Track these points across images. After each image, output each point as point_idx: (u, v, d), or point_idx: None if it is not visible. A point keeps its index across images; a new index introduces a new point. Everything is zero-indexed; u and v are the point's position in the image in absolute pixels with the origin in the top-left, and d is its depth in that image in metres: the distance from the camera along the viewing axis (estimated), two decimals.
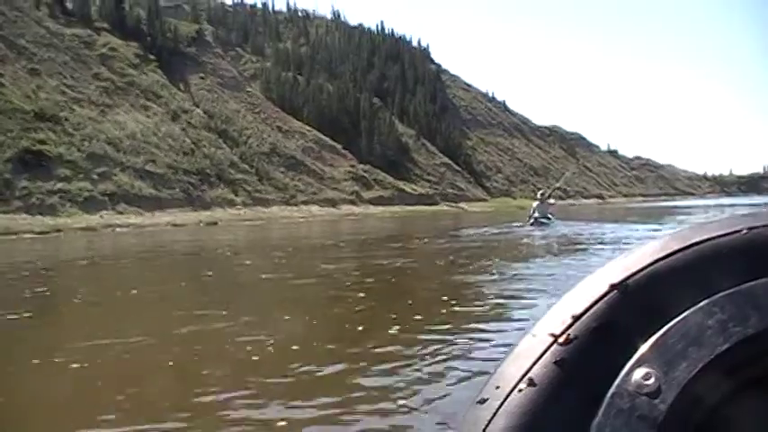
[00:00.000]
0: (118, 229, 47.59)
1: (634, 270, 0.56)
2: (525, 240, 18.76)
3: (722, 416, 0.51)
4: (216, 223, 54.54)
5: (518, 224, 27.65)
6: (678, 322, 0.52)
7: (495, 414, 0.53)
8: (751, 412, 0.52)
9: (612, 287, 0.55)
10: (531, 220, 26.65)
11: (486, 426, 0.53)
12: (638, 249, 0.59)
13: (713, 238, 0.56)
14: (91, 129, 59.54)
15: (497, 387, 0.54)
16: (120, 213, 52.04)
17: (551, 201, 28.86)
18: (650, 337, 0.52)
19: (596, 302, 0.55)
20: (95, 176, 54.60)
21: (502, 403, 0.53)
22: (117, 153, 59.11)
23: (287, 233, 35.18)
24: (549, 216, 27.37)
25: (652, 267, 0.56)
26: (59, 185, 51.02)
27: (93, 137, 58.62)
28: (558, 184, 39.06)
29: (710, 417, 0.51)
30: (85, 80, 67.57)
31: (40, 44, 66.94)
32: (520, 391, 0.53)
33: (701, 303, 0.53)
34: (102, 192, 53.54)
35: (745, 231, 0.55)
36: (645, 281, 0.55)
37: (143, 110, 69.79)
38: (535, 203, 28.16)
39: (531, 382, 0.53)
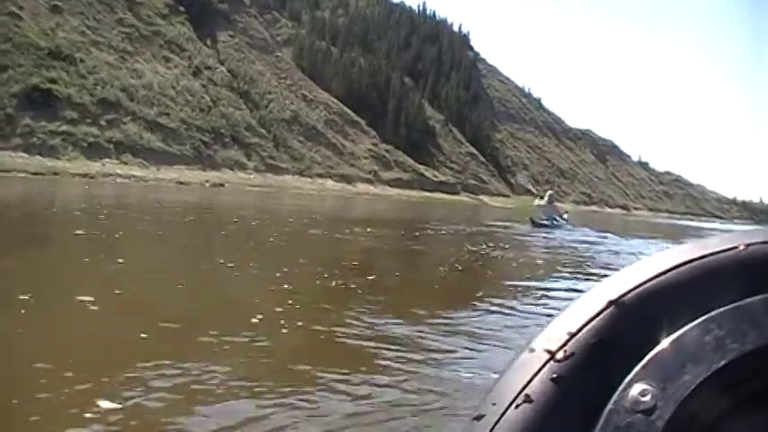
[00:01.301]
0: (119, 180, 45.54)
1: (631, 286, 0.56)
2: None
3: (721, 431, 0.51)
4: (222, 185, 52.38)
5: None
6: (675, 338, 0.52)
7: (491, 430, 0.52)
8: (749, 428, 0.52)
9: (610, 303, 0.55)
10: (538, 221, 24.56)
11: None
12: (636, 265, 0.58)
13: (711, 254, 0.56)
14: (106, 73, 57.42)
15: (494, 403, 0.54)
16: (124, 164, 50.00)
17: (559, 204, 26.77)
18: (647, 353, 0.52)
19: (593, 318, 0.55)
20: (103, 123, 52.56)
21: (498, 420, 0.53)
22: (130, 102, 57.02)
23: (286, 205, 32.90)
24: (557, 219, 25.27)
25: (649, 283, 0.55)
26: (64, 127, 49.03)
27: (107, 82, 56.52)
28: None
29: None
30: (108, 24, 65.37)
31: None
32: (517, 407, 0.52)
33: (699, 320, 0.52)
34: (108, 139, 51.52)
35: (742, 248, 0.55)
36: (642, 297, 0.55)
37: (164, 61, 67.62)
38: (536, 201, 26.18)
39: (528, 399, 0.52)
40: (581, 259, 13.05)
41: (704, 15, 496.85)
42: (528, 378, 0.54)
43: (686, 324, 0.52)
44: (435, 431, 3.37)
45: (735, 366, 0.50)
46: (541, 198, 26.25)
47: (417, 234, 17.01)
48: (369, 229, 15.90)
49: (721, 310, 0.52)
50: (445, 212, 36.97)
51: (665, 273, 0.55)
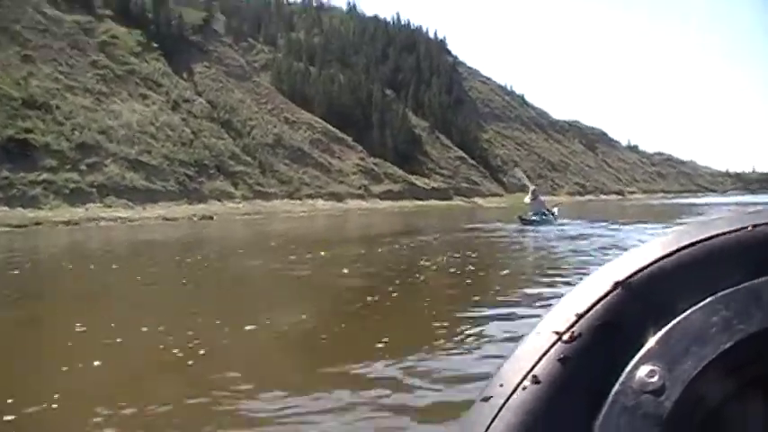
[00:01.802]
0: (103, 223, 44.98)
1: (638, 267, 0.55)
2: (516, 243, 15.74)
3: (726, 413, 0.51)
4: (211, 218, 51.78)
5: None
6: (682, 320, 0.52)
7: (498, 411, 0.52)
8: (755, 410, 0.52)
9: (617, 285, 0.55)
10: (526, 218, 23.98)
11: (491, 423, 0.52)
12: (643, 247, 0.58)
13: (718, 235, 0.56)
14: (83, 118, 56.99)
15: (501, 385, 0.54)
16: (108, 207, 49.40)
17: (545, 198, 26.20)
18: (654, 334, 0.52)
19: (600, 300, 0.55)
20: (84, 167, 52.05)
21: (506, 401, 0.53)
22: (109, 143, 56.53)
23: (263, 230, 32.34)
24: (546, 213, 24.73)
25: (656, 265, 0.55)
26: (44, 176, 48.53)
27: (84, 126, 56.07)
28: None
29: (715, 414, 0.51)
30: (82, 68, 65.04)
31: (35, 30, 64.50)
32: (524, 388, 0.52)
33: (706, 301, 0.52)
34: (90, 183, 50.98)
35: (750, 228, 0.55)
36: (649, 278, 0.55)
37: (141, 99, 67.19)
38: (526, 199, 25.57)
39: (536, 380, 0.52)
40: (554, 267, 11.33)
41: None
42: (535, 359, 0.54)
43: (693, 305, 0.52)
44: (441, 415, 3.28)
45: (741, 347, 0.50)
46: (533, 192, 25.72)
47: (380, 249, 15.91)
48: (322, 253, 14.94)
49: (728, 291, 0.52)
50: (430, 220, 36.32)
51: (672, 254, 0.55)
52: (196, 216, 51.33)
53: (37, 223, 41.73)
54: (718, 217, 0.59)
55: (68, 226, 42.59)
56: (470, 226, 26.11)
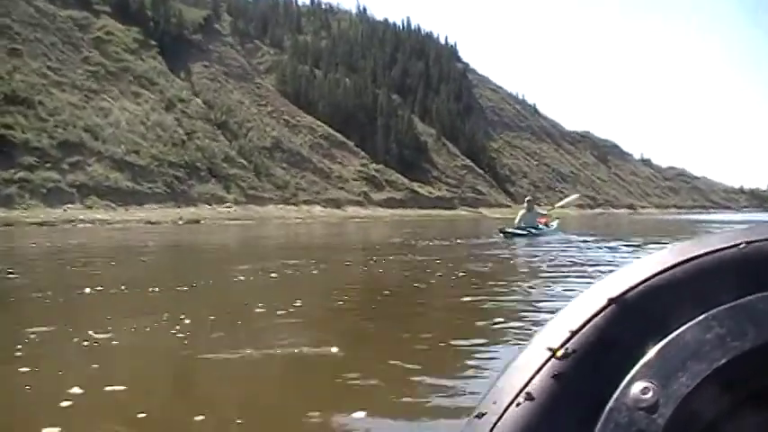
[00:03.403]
0: (80, 225, 42.40)
1: (632, 284, 0.55)
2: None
3: (721, 430, 0.51)
4: (198, 221, 49.13)
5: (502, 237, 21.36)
6: (676, 336, 0.52)
7: (492, 428, 0.52)
8: (749, 426, 0.52)
9: (611, 301, 0.55)
10: (509, 232, 20.88)
11: None
12: (637, 263, 0.58)
13: (712, 251, 0.56)
14: (68, 115, 54.54)
15: (495, 402, 0.54)
16: (89, 208, 46.84)
17: (542, 211, 23.10)
18: (648, 351, 0.52)
19: (594, 316, 0.55)
20: (65, 166, 49.54)
21: (499, 418, 0.52)
22: (95, 141, 54.04)
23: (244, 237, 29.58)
24: (541, 226, 21.62)
25: (650, 281, 0.55)
26: (21, 174, 46.01)
27: (69, 123, 53.59)
28: (560, 203, 32.54)
29: (709, 431, 0.51)
30: (73, 63, 62.80)
31: (26, 24, 62.40)
32: (518, 405, 0.52)
33: (700, 318, 0.52)
34: (71, 183, 48.43)
35: (743, 245, 0.55)
36: (643, 295, 0.55)
37: (133, 97, 64.84)
38: (521, 212, 22.44)
39: (529, 397, 0.52)
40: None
41: (697, 2, 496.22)
42: (529, 376, 0.54)
43: (687, 322, 0.53)
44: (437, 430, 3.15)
45: (736, 364, 0.50)
46: (529, 202, 22.72)
47: (316, 271, 13.04)
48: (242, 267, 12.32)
49: (722, 307, 0.52)
50: (430, 231, 33.40)
51: (666, 270, 0.55)
52: (182, 220, 48.69)
53: (7, 224, 39.19)
54: (712, 233, 0.59)
55: (42, 227, 40.08)
56: (450, 241, 23.04)
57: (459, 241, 21.40)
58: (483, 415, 0.53)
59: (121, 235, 31.19)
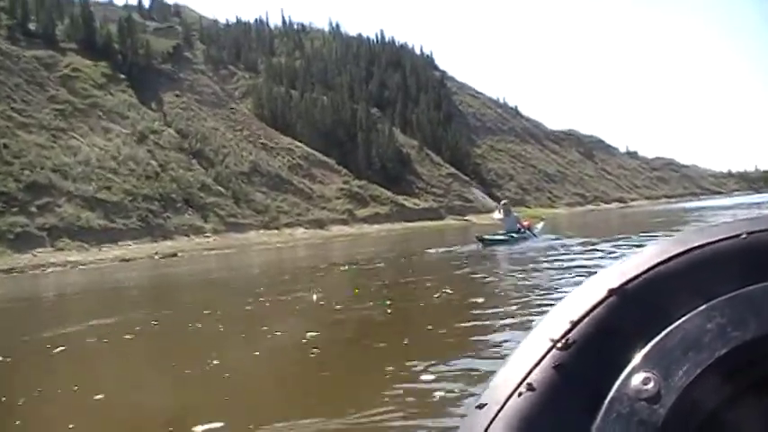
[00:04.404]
0: (50, 270, 40.94)
1: (633, 275, 0.55)
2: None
3: (722, 420, 0.51)
4: (175, 255, 47.64)
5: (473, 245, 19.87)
6: (677, 327, 0.52)
7: (493, 419, 0.52)
8: (750, 416, 0.52)
9: (611, 292, 0.55)
10: (487, 240, 19.36)
11: (485, 430, 0.52)
12: (637, 254, 0.58)
13: (713, 242, 0.56)
14: (34, 156, 53.10)
15: (496, 392, 0.54)
16: (60, 250, 45.31)
17: (516, 214, 21.50)
18: (649, 341, 0.52)
19: (595, 307, 0.54)
20: (34, 209, 48.02)
21: (501, 408, 0.53)
22: (64, 181, 52.59)
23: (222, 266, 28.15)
24: (522, 230, 20.04)
25: (651, 272, 0.55)
26: None
27: (36, 165, 52.16)
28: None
29: (710, 421, 0.51)
30: (38, 103, 61.46)
31: None
32: (519, 395, 0.53)
33: (701, 308, 0.52)
34: (41, 226, 46.91)
35: (744, 236, 0.55)
36: (644, 285, 0.55)
37: (103, 132, 63.47)
38: (497, 216, 20.88)
39: (531, 387, 0.52)
40: None
41: None
42: (530, 366, 0.54)
43: (688, 312, 0.53)
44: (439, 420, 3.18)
45: (736, 354, 0.50)
46: (505, 206, 21.05)
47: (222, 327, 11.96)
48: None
49: (723, 298, 0.52)
50: (413, 243, 31.99)
51: (667, 261, 0.55)
52: (158, 254, 47.20)
53: None
54: (713, 224, 0.59)
55: (9, 275, 38.61)
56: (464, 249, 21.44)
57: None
58: (484, 405, 0.53)
59: (82, 278, 29.77)
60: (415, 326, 6.82)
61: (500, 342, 5.18)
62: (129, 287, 20.09)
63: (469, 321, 6.39)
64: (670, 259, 0.55)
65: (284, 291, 11.79)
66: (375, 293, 9.65)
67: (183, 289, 17.56)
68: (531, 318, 6.11)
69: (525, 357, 0.55)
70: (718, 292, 0.52)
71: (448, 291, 9.01)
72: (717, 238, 0.56)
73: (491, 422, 0.52)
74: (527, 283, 9.33)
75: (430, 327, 6.39)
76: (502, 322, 6.09)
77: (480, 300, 7.84)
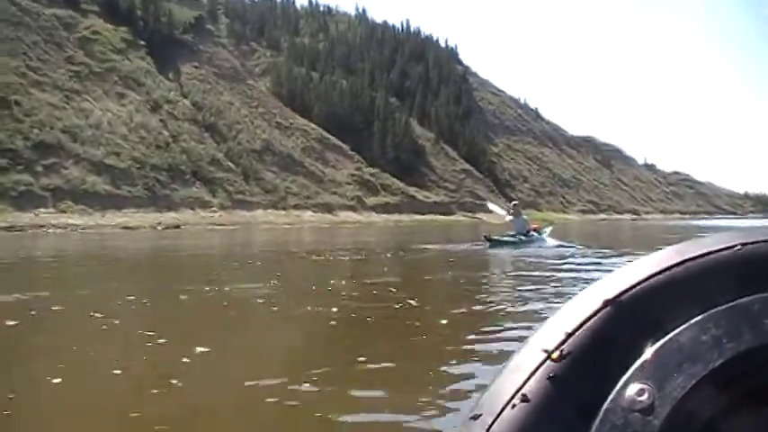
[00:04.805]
0: (51, 230, 40.31)
1: (628, 285, 0.55)
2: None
3: (717, 431, 0.51)
4: (178, 227, 46.98)
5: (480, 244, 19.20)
6: (672, 338, 0.52)
7: (488, 430, 0.52)
8: (746, 426, 0.52)
9: (606, 303, 0.55)
10: (494, 240, 18.94)
11: None
12: (632, 265, 0.58)
13: (708, 253, 0.56)
14: (45, 115, 52.30)
15: (490, 403, 0.54)
16: (62, 212, 44.61)
17: (525, 216, 20.85)
18: (644, 353, 0.52)
19: (590, 318, 0.54)
20: (40, 169, 47.33)
21: (495, 419, 0.52)
22: (73, 143, 51.85)
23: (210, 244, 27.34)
24: (530, 233, 19.62)
25: (646, 283, 0.55)
26: None
27: (46, 124, 51.37)
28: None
29: None
30: (54, 63, 60.63)
31: (7, 22, 60.13)
32: (513, 406, 0.52)
33: (696, 319, 0.52)
34: (45, 186, 46.21)
35: (739, 247, 0.55)
36: (639, 296, 0.55)
37: (118, 98, 62.67)
38: (508, 218, 20.39)
39: (525, 398, 0.52)
40: None
41: (702, 4, 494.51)
42: (524, 377, 0.53)
43: (683, 323, 0.52)
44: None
45: (731, 365, 0.50)
46: (515, 207, 20.60)
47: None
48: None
49: (718, 309, 0.52)
50: (418, 237, 31.11)
51: (661, 272, 0.55)
52: (161, 225, 46.53)
53: None
54: (707, 236, 0.59)
55: (9, 232, 38.01)
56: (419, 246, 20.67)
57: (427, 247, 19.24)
58: (479, 416, 0.53)
59: (131, 240, 29.06)
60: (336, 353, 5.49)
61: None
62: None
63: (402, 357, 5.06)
64: (665, 270, 0.55)
65: (237, 279, 10.82)
66: (329, 295, 8.62)
67: (135, 266, 16.52)
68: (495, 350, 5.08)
69: (519, 368, 0.54)
70: (713, 303, 0.53)
71: (412, 302, 7.62)
72: (711, 250, 0.56)
73: None
74: (516, 294, 8.30)
75: (362, 358, 4.83)
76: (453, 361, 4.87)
77: (444, 321, 6.39)
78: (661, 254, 0.57)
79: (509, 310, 7.22)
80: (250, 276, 11.61)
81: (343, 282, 11.00)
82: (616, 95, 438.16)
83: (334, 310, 7.13)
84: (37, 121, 51.05)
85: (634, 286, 0.55)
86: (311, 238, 34.17)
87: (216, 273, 12.69)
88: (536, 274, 11.30)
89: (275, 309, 7.54)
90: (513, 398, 0.52)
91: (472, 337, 5.88)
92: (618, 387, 0.50)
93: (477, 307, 7.63)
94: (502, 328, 6.10)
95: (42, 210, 43.91)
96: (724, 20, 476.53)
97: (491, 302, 7.88)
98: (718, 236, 0.58)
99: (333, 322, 6.68)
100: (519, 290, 8.96)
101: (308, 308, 7.45)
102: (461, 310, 7.19)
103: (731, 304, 0.52)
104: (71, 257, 18.26)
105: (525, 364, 0.54)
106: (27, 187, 45.08)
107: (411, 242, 24.97)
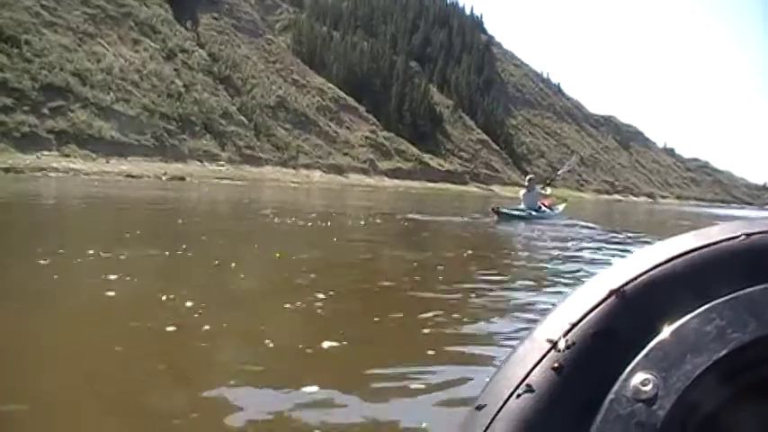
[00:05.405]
0: (52, 174, 39.37)
1: (632, 276, 0.55)
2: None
3: (720, 422, 0.51)
4: (183, 178, 45.99)
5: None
6: (676, 328, 0.52)
7: (492, 420, 0.52)
8: (749, 418, 0.52)
9: (611, 293, 0.55)
10: (505, 213, 17.95)
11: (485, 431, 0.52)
12: (637, 255, 0.58)
13: (712, 244, 0.56)
14: (56, 57, 50.96)
15: (495, 393, 0.54)
16: (66, 156, 43.58)
17: (545, 191, 19.85)
18: (648, 342, 0.52)
19: (594, 308, 0.54)
20: (46, 111, 46.14)
21: (500, 409, 0.52)
22: (82, 87, 50.59)
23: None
24: (543, 208, 18.73)
25: (651, 273, 0.55)
26: None
27: (57, 66, 50.11)
28: (561, 170, 30.40)
29: (709, 423, 0.51)
30: (70, 4, 59.07)
31: None
32: (518, 397, 0.52)
33: (700, 309, 0.52)
34: (50, 129, 45.11)
35: (743, 237, 0.55)
36: (643, 287, 0.54)
37: (132, 44, 61.27)
38: (522, 191, 19.40)
39: (529, 389, 0.52)
40: None
41: None
42: (529, 368, 0.53)
43: (687, 314, 0.52)
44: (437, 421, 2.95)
45: (735, 356, 0.50)
46: (531, 181, 19.64)
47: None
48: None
49: (722, 299, 0.52)
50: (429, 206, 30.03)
51: (666, 262, 0.55)
52: (166, 175, 45.53)
53: None
54: (712, 226, 0.59)
55: (8, 174, 37.13)
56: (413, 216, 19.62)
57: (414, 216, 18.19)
58: (483, 406, 0.53)
59: (131, 189, 28.15)
60: None
61: None
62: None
63: None
64: (669, 260, 0.55)
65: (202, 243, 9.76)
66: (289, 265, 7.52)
67: (101, 215, 15.40)
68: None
69: (524, 358, 0.54)
70: (717, 293, 0.52)
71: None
72: (716, 240, 0.56)
73: (490, 423, 0.52)
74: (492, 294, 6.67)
75: None
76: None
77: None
78: (666, 244, 0.57)
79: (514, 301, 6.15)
80: (220, 239, 10.58)
81: (322, 252, 9.96)
82: (639, 77, 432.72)
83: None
84: (46, 63, 49.75)
85: (639, 276, 0.55)
86: (319, 201, 33.12)
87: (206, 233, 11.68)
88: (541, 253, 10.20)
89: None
90: (517, 388, 0.53)
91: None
92: (622, 377, 0.50)
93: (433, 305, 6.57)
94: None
95: (45, 152, 42.91)
96: (755, 14, 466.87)
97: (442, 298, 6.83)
98: (723, 226, 0.58)
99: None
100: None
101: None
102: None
103: (735, 294, 0.52)
104: None
105: (530, 355, 0.54)
106: (31, 129, 43.96)
107: (422, 209, 23.85)
